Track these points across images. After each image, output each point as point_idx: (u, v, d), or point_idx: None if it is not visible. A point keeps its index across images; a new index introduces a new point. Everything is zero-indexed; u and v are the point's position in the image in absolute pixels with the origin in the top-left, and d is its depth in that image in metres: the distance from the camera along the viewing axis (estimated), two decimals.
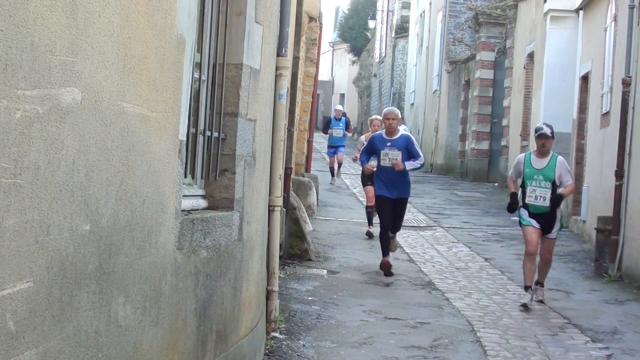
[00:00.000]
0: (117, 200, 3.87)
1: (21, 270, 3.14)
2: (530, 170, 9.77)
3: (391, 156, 10.91)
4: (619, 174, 12.24)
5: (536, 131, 9.87)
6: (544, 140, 9.75)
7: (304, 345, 7.59)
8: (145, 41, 4.05)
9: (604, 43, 14.27)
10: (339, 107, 24.12)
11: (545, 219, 9.75)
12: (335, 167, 23.23)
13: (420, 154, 11.16)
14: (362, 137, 15.33)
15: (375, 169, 11.52)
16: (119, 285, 3.95)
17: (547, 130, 9.77)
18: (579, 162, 16.00)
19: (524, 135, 20.65)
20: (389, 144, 11.02)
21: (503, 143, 23.37)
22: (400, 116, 11.45)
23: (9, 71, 2.97)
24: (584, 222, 14.91)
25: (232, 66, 5.87)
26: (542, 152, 9.79)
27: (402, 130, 12.33)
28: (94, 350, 3.75)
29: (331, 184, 22.52)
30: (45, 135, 3.23)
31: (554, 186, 9.68)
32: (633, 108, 12.08)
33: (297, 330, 8.07)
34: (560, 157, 9.85)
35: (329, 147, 23.44)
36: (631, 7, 12.39)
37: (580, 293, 10.75)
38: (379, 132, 11.56)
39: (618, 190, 12.22)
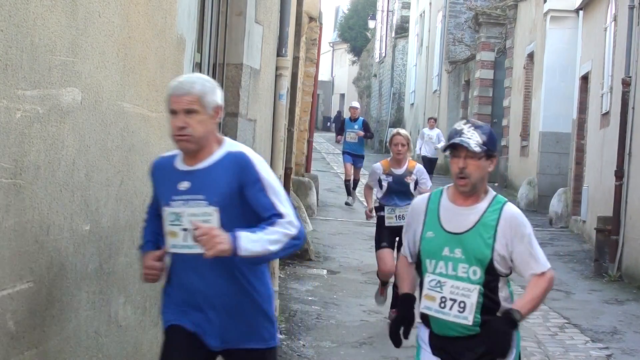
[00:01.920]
0: (117, 200, 3.87)
1: (21, 270, 3.14)
2: (438, 236, 3.97)
3: (191, 218, 3.60)
4: (619, 174, 12.24)
5: (448, 138, 4.03)
6: (459, 161, 3.95)
7: (304, 345, 7.59)
8: (145, 41, 4.05)
9: (604, 43, 14.27)
10: (355, 104, 18.65)
11: (466, 348, 3.94)
12: (352, 183, 17.74)
13: (287, 211, 3.67)
14: (377, 166, 8.59)
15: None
16: (119, 285, 3.95)
17: (469, 137, 3.94)
18: (579, 162, 16.00)
19: (524, 136, 20.66)
20: (183, 184, 3.68)
21: (503, 143, 23.37)
22: (215, 103, 3.67)
23: (9, 71, 2.97)
24: (584, 222, 14.91)
25: (232, 66, 5.88)
26: (463, 189, 3.96)
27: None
28: (94, 350, 3.75)
29: (347, 204, 17.55)
30: (45, 135, 3.23)
31: (491, 280, 3.92)
32: (633, 108, 12.08)
33: (297, 330, 8.07)
34: (510, 208, 3.98)
35: (344, 152, 17.78)
36: (631, 7, 12.39)
37: (580, 293, 10.75)
38: (169, 154, 3.78)
39: (618, 190, 12.22)
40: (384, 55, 42.45)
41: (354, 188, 17.69)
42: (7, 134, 2.99)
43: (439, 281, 3.95)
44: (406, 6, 39.33)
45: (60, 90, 3.31)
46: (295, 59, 10.88)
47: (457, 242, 3.93)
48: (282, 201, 3.67)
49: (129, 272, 4.06)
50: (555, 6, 18.34)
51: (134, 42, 3.93)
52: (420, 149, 20.37)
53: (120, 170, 3.88)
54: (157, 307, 4.44)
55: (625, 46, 12.40)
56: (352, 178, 17.46)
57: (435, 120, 22.40)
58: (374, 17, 45.38)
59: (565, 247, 14.11)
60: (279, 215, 3.61)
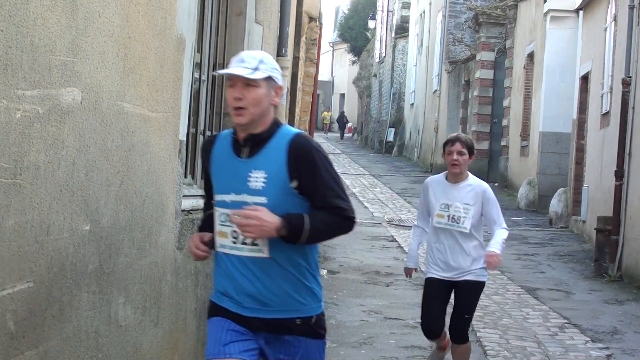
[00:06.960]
0: (117, 200, 3.87)
1: (21, 270, 3.14)
2: None
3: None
4: (619, 174, 12.24)
5: None
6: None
7: None
8: (145, 41, 4.05)
9: (604, 43, 14.27)
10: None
11: None
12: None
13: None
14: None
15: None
16: (119, 285, 3.95)
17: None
18: (579, 162, 16.00)
19: (524, 136, 20.67)
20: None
21: (503, 143, 23.37)
22: None
23: (9, 71, 2.96)
24: (584, 222, 14.91)
25: None
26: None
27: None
28: (94, 350, 3.75)
29: None
30: (45, 135, 3.23)
31: None
32: (633, 108, 12.08)
33: None
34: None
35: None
36: (631, 7, 12.40)
37: (580, 293, 10.74)
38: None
39: (618, 190, 12.22)
40: (384, 55, 42.46)
41: None
42: (7, 134, 2.99)
43: None
44: (406, 6, 39.34)
45: (60, 90, 3.31)
46: (295, 59, 10.87)
47: None
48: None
49: (129, 272, 4.06)
50: (555, 6, 18.35)
51: (134, 42, 3.93)
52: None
53: (120, 170, 3.88)
54: (157, 307, 4.44)
55: (625, 46, 12.40)
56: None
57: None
58: (374, 17, 45.41)
59: (565, 247, 14.11)
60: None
